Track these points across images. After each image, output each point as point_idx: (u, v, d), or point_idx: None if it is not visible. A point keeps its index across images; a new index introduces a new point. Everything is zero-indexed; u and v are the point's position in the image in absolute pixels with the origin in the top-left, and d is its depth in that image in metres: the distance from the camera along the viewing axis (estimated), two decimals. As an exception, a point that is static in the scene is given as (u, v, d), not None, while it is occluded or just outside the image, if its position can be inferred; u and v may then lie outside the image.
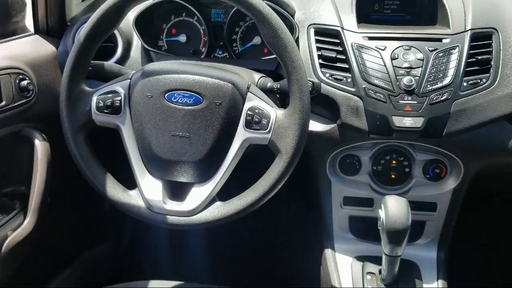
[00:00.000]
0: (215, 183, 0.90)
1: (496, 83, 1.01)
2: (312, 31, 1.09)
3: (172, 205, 0.90)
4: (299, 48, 0.98)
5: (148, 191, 0.91)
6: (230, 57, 1.19)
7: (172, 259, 1.72)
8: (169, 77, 0.89)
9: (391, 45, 1.04)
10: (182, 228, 0.90)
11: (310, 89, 0.89)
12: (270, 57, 1.12)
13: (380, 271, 1.09)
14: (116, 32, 1.16)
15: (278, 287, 1.60)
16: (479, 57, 1.01)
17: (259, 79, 1.00)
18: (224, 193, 0.92)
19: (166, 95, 0.88)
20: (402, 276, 1.07)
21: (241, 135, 0.88)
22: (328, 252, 1.20)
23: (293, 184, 0.96)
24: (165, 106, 0.88)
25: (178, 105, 0.88)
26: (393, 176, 1.11)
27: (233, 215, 0.88)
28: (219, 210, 0.89)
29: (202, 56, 1.19)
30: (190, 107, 0.87)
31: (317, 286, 1.25)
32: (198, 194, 0.90)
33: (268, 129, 0.87)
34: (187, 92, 0.87)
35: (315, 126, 1.08)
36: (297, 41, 1.09)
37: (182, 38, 1.20)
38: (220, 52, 1.21)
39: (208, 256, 1.71)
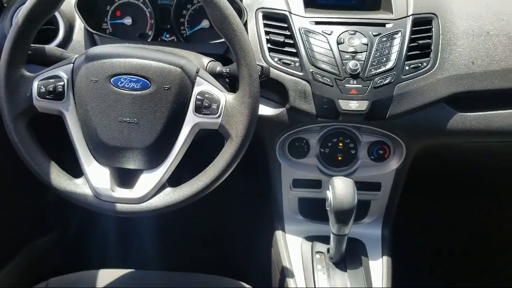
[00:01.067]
0: (165, 169, 0.89)
1: (435, 67, 1.06)
2: (260, 15, 1.09)
3: (120, 193, 0.89)
4: (247, 32, 0.98)
5: (95, 179, 0.89)
6: (178, 41, 1.17)
7: (121, 248, 1.70)
8: (115, 61, 0.86)
9: (337, 30, 1.06)
10: (131, 215, 0.89)
11: (259, 73, 0.90)
12: (219, 41, 1.11)
13: (328, 250, 1.12)
14: (57, 14, 1.10)
15: (230, 271, 1.62)
16: (420, 42, 1.05)
17: (208, 63, 0.99)
18: (175, 179, 0.91)
19: (111, 80, 0.86)
20: (349, 253, 1.11)
21: (191, 120, 0.88)
22: (278, 233, 1.22)
23: (243, 168, 0.97)
24: (111, 91, 0.86)
25: (125, 90, 0.86)
26: (339, 158, 1.14)
27: (183, 201, 0.88)
28: (169, 196, 0.88)
29: (149, 40, 1.16)
30: (138, 92, 0.86)
31: (268, 268, 1.27)
32: (148, 180, 0.89)
33: (218, 113, 0.87)
34: (134, 76, 0.85)
35: (265, 110, 1.09)
36: (245, 25, 1.09)
37: (128, 20, 1.16)
38: (168, 36, 1.18)
39: (158, 244, 1.70)
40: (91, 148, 0.90)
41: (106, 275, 1.11)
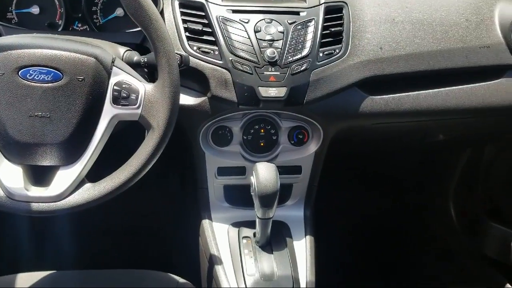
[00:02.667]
0: (83, 164, 0.85)
1: (347, 53, 1.11)
2: (176, 4, 1.08)
3: (36, 191, 0.84)
4: (164, 21, 0.96)
5: (6, 178, 0.84)
6: (90, 30, 1.12)
7: (36, 250, 1.60)
8: (22, 52, 0.81)
9: (254, 18, 1.08)
10: (49, 214, 0.85)
11: (178, 62, 0.89)
12: (135, 30, 1.08)
13: (254, 234, 1.15)
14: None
15: (158, 264, 1.60)
16: (333, 29, 1.10)
17: (124, 52, 0.96)
18: (95, 174, 0.88)
19: (19, 72, 0.81)
20: (275, 236, 1.14)
21: (109, 111, 0.85)
22: (205, 222, 1.22)
23: (167, 159, 0.96)
24: (19, 85, 0.81)
25: (35, 82, 0.81)
26: (262, 144, 1.16)
27: (105, 196, 0.85)
28: (89, 192, 0.85)
29: (59, 30, 1.11)
30: (49, 84, 0.81)
31: (197, 257, 1.27)
32: (65, 177, 0.85)
33: (137, 104, 0.85)
34: (44, 68, 0.81)
35: (186, 99, 1.08)
36: (161, 13, 1.07)
37: (35, 9, 1.09)
38: (79, 25, 1.13)
39: (77, 242, 1.62)
40: (0, 145, 0.84)
41: (21, 280, 1.05)
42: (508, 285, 1.45)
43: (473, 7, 1.21)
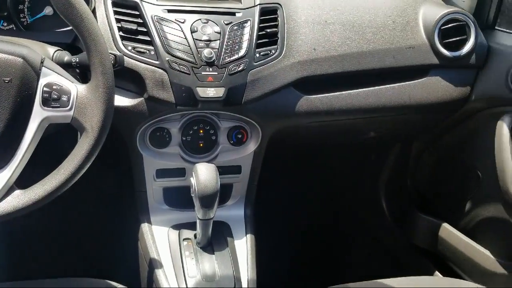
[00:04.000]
0: (11, 170, 0.81)
1: (282, 54, 1.13)
2: (109, 2, 1.05)
3: None
4: (96, 20, 0.94)
5: None
6: (17, 30, 1.07)
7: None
8: None
9: (190, 18, 1.07)
10: None
11: (112, 62, 0.87)
12: (65, 29, 1.04)
13: (195, 236, 1.14)
14: None
15: (96, 272, 1.55)
16: (268, 30, 1.12)
17: (54, 52, 0.92)
18: (25, 180, 0.84)
19: None
20: (216, 236, 1.14)
21: (39, 114, 0.81)
22: (144, 226, 1.20)
23: (102, 161, 0.93)
24: None
25: None
26: (201, 144, 1.16)
27: (36, 203, 0.81)
28: (19, 199, 0.81)
29: None
30: None
31: (136, 262, 1.25)
32: None
33: (69, 106, 0.82)
34: None
35: (122, 100, 1.05)
36: (93, 12, 1.04)
37: None
38: (5, 24, 1.07)
39: (6, 252, 1.53)
40: None
41: None
42: (436, 272, 1.55)
43: (399, 10, 1.28)
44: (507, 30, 1.34)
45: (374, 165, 1.75)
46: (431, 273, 1.56)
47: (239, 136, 1.17)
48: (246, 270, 1.14)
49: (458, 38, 1.25)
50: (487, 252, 1.35)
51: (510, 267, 1.29)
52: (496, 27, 1.36)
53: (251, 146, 1.20)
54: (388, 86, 1.24)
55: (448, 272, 1.51)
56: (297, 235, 1.85)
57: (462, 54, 1.25)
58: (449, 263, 1.51)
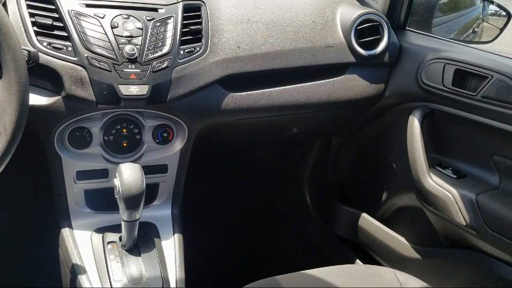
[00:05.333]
0: None
1: (207, 51, 1.13)
2: None
3: None
4: (8, 14, 0.87)
5: None
6: None
7: None
8: None
9: (110, 13, 1.03)
10: None
11: (26, 58, 0.82)
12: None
13: (120, 238, 1.11)
14: None
15: (12, 283, 1.45)
16: (192, 27, 1.11)
17: None
18: None
19: None
20: (142, 238, 1.12)
21: None
22: (65, 231, 1.14)
23: (18, 165, 0.88)
24: None
25: None
26: (125, 144, 1.12)
27: None
28: None
29: None
30: None
31: (57, 269, 1.18)
32: None
33: None
34: None
35: (37, 99, 0.99)
36: (4, 5, 0.97)
37: None
38: None
39: None
40: None
41: None
42: (357, 260, 1.63)
43: (318, 10, 1.33)
44: (417, 31, 1.45)
45: (298, 161, 1.80)
46: (352, 262, 1.64)
47: (165, 134, 1.15)
48: (174, 270, 1.12)
49: (372, 38, 1.33)
50: (402, 239, 1.45)
51: (423, 252, 1.39)
52: (407, 28, 1.46)
53: (178, 145, 1.18)
54: (309, 83, 1.28)
55: (368, 259, 1.60)
56: (225, 232, 1.86)
57: (376, 52, 1.33)
58: (369, 251, 1.60)
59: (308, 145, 1.74)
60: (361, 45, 1.32)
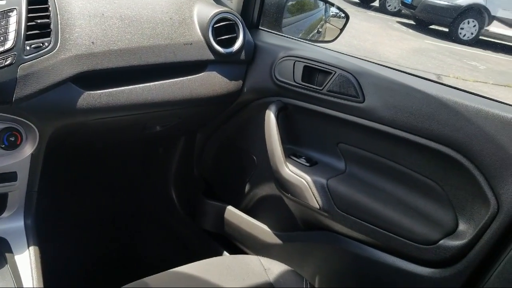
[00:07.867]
0: None
1: (58, 47, 1.05)
2: None
3: None
4: None
5: None
6: None
7: None
8: None
9: None
10: None
11: None
12: None
13: None
14: None
15: None
16: (39, 21, 1.03)
17: None
18: None
19: None
20: None
21: None
22: None
23: None
24: None
25: None
26: None
27: None
28: None
29: None
30: None
31: None
32: None
33: None
34: None
35: None
36: None
37: None
38: None
39: None
40: None
41: None
42: (225, 252, 1.68)
43: (175, 7, 1.33)
44: (269, 30, 1.54)
45: (163, 159, 1.78)
46: (220, 254, 1.68)
47: (12, 138, 1.05)
48: (32, 284, 1.03)
49: (229, 36, 1.37)
50: (265, 227, 1.54)
51: (284, 237, 1.49)
52: (260, 27, 1.54)
53: (28, 149, 1.09)
54: (170, 81, 1.28)
55: (235, 250, 1.66)
56: (92, 236, 1.76)
57: (233, 50, 1.37)
58: (235, 242, 1.66)
59: (172, 142, 1.73)
60: (219, 43, 1.35)
